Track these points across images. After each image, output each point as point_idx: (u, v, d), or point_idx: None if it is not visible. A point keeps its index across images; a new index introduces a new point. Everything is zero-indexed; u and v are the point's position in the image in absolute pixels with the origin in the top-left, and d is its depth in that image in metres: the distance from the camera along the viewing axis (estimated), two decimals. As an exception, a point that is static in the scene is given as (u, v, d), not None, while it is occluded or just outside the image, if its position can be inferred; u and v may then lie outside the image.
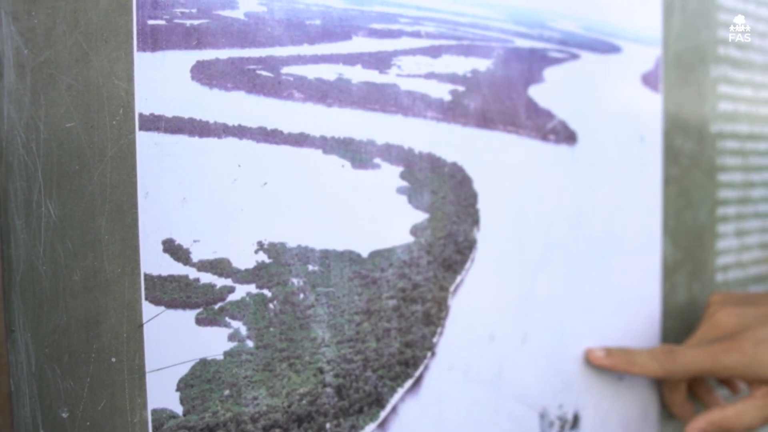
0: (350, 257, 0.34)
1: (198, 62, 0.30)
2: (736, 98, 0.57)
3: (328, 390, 0.34)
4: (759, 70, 0.60)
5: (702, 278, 0.55)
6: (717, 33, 0.55)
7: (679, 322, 0.53)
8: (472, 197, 0.39)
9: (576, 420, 0.46)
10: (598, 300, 0.47)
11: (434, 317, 0.38)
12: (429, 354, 0.38)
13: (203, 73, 0.30)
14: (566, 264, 0.45)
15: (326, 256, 0.34)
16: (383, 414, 0.36)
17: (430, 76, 0.37)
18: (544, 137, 0.43)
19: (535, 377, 0.43)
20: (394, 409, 0.36)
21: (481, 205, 0.40)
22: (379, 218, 0.35)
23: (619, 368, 0.46)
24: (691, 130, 0.53)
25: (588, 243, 0.46)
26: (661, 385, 0.52)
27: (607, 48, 0.47)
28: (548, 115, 0.43)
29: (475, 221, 0.39)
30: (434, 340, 0.38)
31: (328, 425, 0.34)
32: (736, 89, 0.57)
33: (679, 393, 0.49)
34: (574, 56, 0.45)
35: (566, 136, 0.44)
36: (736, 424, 0.44)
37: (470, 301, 0.39)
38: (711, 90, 0.55)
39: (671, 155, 0.52)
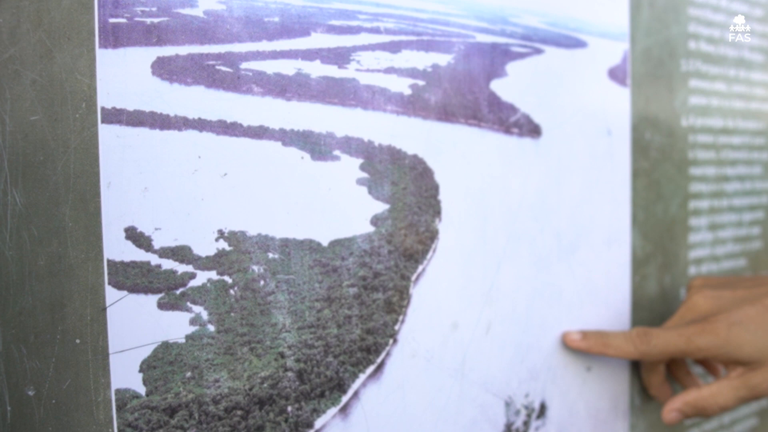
0: (310, 246, 0.37)
1: (158, 58, 0.32)
2: (708, 92, 0.60)
3: (290, 374, 0.36)
4: (732, 65, 0.62)
5: (674, 271, 0.57)
6: (687, 28, 0.58)
7: (650, 314, 0.55)
8: (434, 188, 0.42)
9: (543, 409, 0.48)
10: (565, 291, 0.49)
11: (396, 305, 0.40)
12: (391, 341, 0.40)
13: (163, 69, 0.32)
14: (532, 255, 0.47)
15: (286, 244, 0.36)
16: (345, 399, 0.38)
17: (389, 70, 0.40)
18: (508, 130, 0.45)
19: (501, 366, 0.45)
20: (355, 394, 0.39)
21: (443, 196, 0.42)
22: (339, 208, 0.38)
23: (594, 350, 0.48)
24: (661, 124, 0.56)
25: (554, 234, 0.48)
26: (631, 376, 0.54)
27: (572, 43, 0.49)
28: (511, 108, 0.45)
29: (437, 212, 0.42)
30: (396, 327, 0.40)
31: (289, 408, 0.36)
32: (708, 84, 0.60)
33: (658, 374, 0.52)
34: (538, 51, 0.47)
35: (530, 129, 0.46)
36: (711, 405, 0.46)
37: (433, 290, 0.42)
38: (682, 84, 0.57)
39: (640, 148, 0.54)
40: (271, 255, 0.36)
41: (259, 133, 0.35)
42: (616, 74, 0.52)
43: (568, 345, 0.48)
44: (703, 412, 0.47)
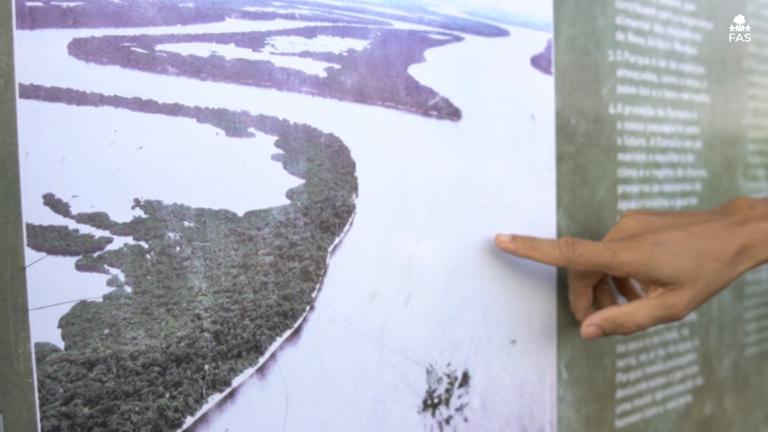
0: (226, 216, 0.40)
1: (74, 39, 0.35)
2: (637, 82, 0.63)
3: (206, 335, 0.39)
4: (662, 56, 0.65)
5: (601, 251, 0.60)
6: (615, 20, 0.61)
7: (576, 291, 0.58)
8: (350, 165, 0.45)
9: (466, 378, 0.51)
10: (487, 266, 0.52)
11: (312, 274, 0.43)
12: (308, 308, 0.43)
13: (80, 49, 0.35)
14: (453, 232, 0.50)
15: (202, 214, 0.39)
16: (262, 360, 0.41)
17: (304, 54, 0.43)
18: (426, 113, 0.48)
19: (421, 335, 0.48)
20: (273, 356, 0.42)
21: (360, 173, 0.45)
22: (253, 182, 0.41)
23: (521, 253, 0.50)
24: (588, 111, 0.59)
25: (476, 213, 0.51)
26: (558, 350, 0.57)
27: (494, 32, 0.52)
28: (430, 92, 0.49)
29: (354, 188, 0.45)
30: (313, 295, 0.43)
31: (206, 367, 0.39)
32: (637, 74, 0.63)
33: (584, 298, 0.54)
34: (458, 38, 0.50)
35: (450, 112, 0.50)
36: (628, 321, 0.49)
37: (350, 261, 0.45)
38: (609, 74, 0.60)
39: (565, 133, 0.57)
40: (186, 223, 0.39)
41: (174, 110, 0.38)
42: (539, 62, 0.55)
43: (498, 246, 0.51)
44: (620, 328, 0.49)
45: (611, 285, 0.57)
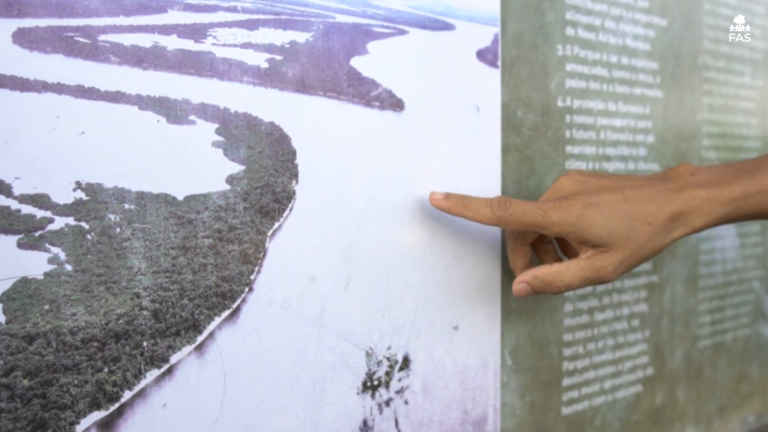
0: (166, 199, 0.43)
1: (19, 29, 0.39)
2: (587, 76, 0.67)
3: (145, 313, 0.43)
4: (614, 52, 0.69)
5: (547, 241, 0.64)
6: (565, 15, 0.65)
7: (520, 280, 0.62)
8: (291, 153, 0.48)
9: (406, 361, 0.55)
10: (429, 254, 0.56)
11: (252, 257, 0.47)
12: (247, 289, 0.46)
13: (24, 38, 0.39)
14: (394, 219, 0.53)
15: (142, 197, 0.42)
16: (200, 338, 0.45)
17: (246, 45, 0.46)
18: (368, 103, 0.52)
19: (361, 319, 0.52)
20: (211, 335, 0.45)
21: (300, 160, 0.49)
22: (194, 167, 0.44)
23: (454, 211, 0.52)
24: (535, 104, 0.62)
25: (418, 201, 0.55)
26: (502, 337, 0.61)
27: (438, 25, 0.56)
28: (372, 83, 0.52)
29: (294, 175, 0.48)
30: (252, 277, 0.47)
31: (145, 343, 0.43)
32: (587, 68, 0.67)
33: (521, 257, 0.56)
34: (402, 32, 0.54)
35: (392, 103, 0.53)
36: (557, 280, 0.51)
37: (289, 245, 0.48)
38: (558, 68, 0.64)
39: (512, 125, 0.61)
40: (127, 206, 0.42)
41: (116, 97, 0.42)
42: (485, 56, 0.59)
43: (431, 204, 0.52)
44: (549, 287, 0.51)
45: (555, 245, 0.59)
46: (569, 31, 0.65)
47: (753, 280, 0.89)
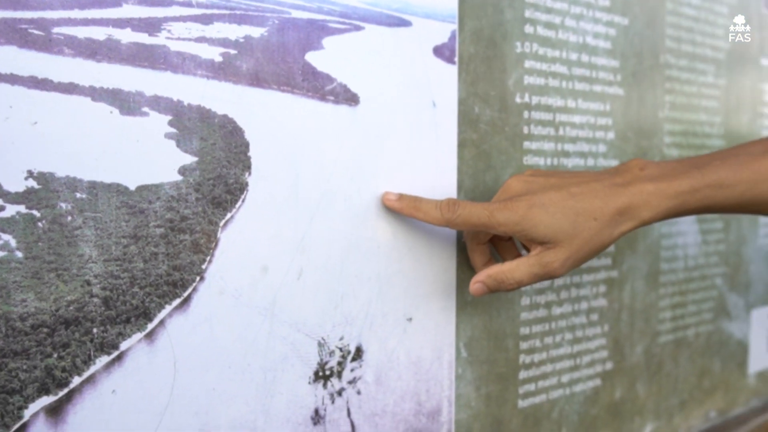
0: (117, 189, 0.45)
1: (-29, 20, 0.41)
2: (545, 73, 0.69)
3: (95, 300, 0.45)
4: (574, 49, 0.72)
5: (503, 235, 0.66)
6: (524, 13, 0.67)
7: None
8: (244, 146, 0.50)
9: (359, 352, 0.57)
10: (384, 246, 0.58)
11: (203, 247, 0.49)
12: (198, 278, 0.49)
13: (-24, 29, 0.41)
14: (348, 211, 0.56)
15: (94, 186, 0.45)
16: (150, 326, 0.47)
17: (201, 39, 0.49)
18: (323, 98, 0.54)
19: (313, 309, 0.54)
20: (161, 323, 0.47)
21: (254, 153, 0.51)
22: (146, 158, 0.46)
23: (405, 212, 0.56)
24: (492, 100, 0.65)
25: (372, 194, 0.57)
26: (457, 329, 0.63)
27: (395, 22, 0.58)
28: (327, 78, 0.54)
29: (247, 167, 0.51)
30: (203, 266, 0.49)
31: (95, 330, 0.45)
32: (546, 65, 0.69)
33: (479, 255, 0.60)
34: (357, 28, 0.56)
35: (347, 97, 0.55)
36: (508, 278, 0.54)
37: (242, 235, 0.51)
38: (516, 64, 0.67)
39: (468, 121, 0.63)
40: (78, 195, 0.44)
41: (69, 89, 0.44)
42: (442, 52, 0.61)
43: (384, 204, 0.56)
44: (503, 284, 0.54)
45: (516, 241, 0.62)
46: (528, 29, 0.68)
47: (715, 276, 0.92)
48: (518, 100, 0.67)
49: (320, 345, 0.55)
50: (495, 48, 0.65)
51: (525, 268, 0.54)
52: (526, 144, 0.68)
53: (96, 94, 0.45)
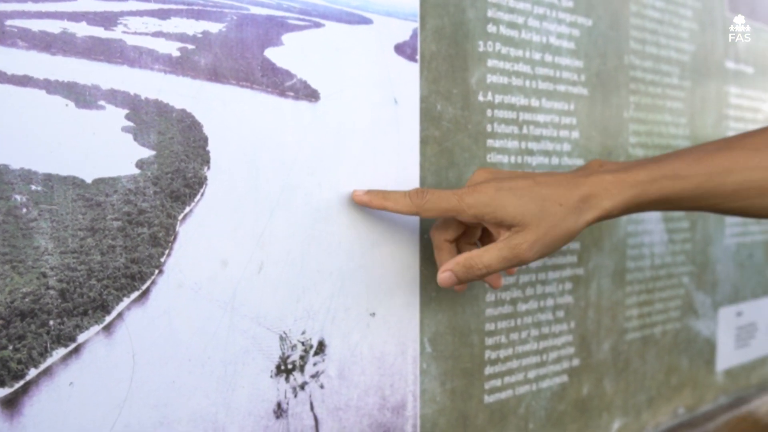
0: (74, 182, 0.45)
1: (-77, 12, 0.41)
2: (508, 72, 0.70)
3: (52, 292, 0.45)
4: (537, 49, 0.73)
5: (467, 232, 0.67)
6: (486, 12, 0.68)
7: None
8: (203, 140, 0.51)
9: (321, 346, 0.57)
10: (345, 241, 0.58)
11: (162, 240, 0.49)
12: (156, 271, 0.49)
13: (-72, 21, 0.41)
14: (309, 206, 0.56)
15: (49, 179, 0.45)
16: (108, 318, 0.47)
17: (158, 34, 0.49)
18: (283, 93, 0.54)
19: (274, 303, 0.54)
20: (120, 316, 0.47)
21: (212, 147, 0.51)
22: (103, 151, 0.46)
23: (375, 204, 0.56)
24: (455, 98, 0.66)
25: (333, 190, 0.57)
26: (421, 324, 0.64)
27: (355, 19, 0.59)
28: (287, 74, 0.55)
29: (206, 161, 0.51)
30: (162, 260, 0.49)
31: (51, 322, 0.45)
32: (509, 64, 0.70)
33: (446, 253, 0.60)
34: (317, 24, 0.57)
35: (307, 93, 0.56)
36: (477, 263, 0.54)
37: (201, 229, 0.51)
38: (479, 63, 0.67)
39: (430, 118, 0.64)
40: (34, 187, 0.44)
41: (23, 81, 0.44)
42: (403, 50, 0.62)
43: (354, 200, 0.57)
44: (471, 270, 0.54)
45: (479, 245, 0.63)
46: (491, 28, 0.68)
47: (682, 275, 0.93)
48: (481, 98, 0.68)
49: (282, 339, 0.55)
50: (457, 46, 0.66)
51: (494, 252, 0.54)
52: (490, 142, 0.69)
53: (51, 86, 0.45)
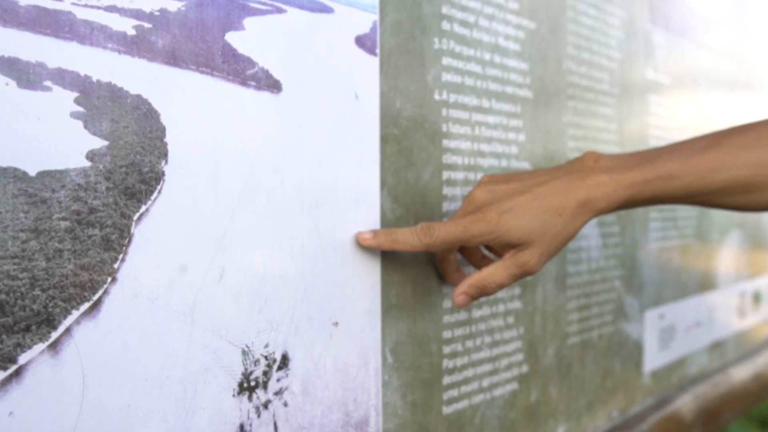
0: (15, 174, 0.38)
1: None
2: (462, 71, 0.67)
3: (-12, 305, 0.37)
4: (487, 49, 0.70)
5: (426, 235, 0.63)
6: (441, 9, 0.65)
7: (401, 271, 0.61)
8: (160, 130, 0.45)
9: (285, 360, 0.52)
10: (308, 245, 0.53)
11: (115, 243, 0.42)
12: (109, 279, 0.42)
13: None
14: (271, 206, 0.51)
15: (-15, 171, 0.37)
16: (55, 335, 0.40)
17: (111, 9, 0.42)
18: (244, 82, 0.49)
19: (236, 314, 0.49)
20: (68, 331, 0.40)
21: (170, 139, 0.45)
22: (49, 139, 0.40)
23: (384, 246, 0.56)
24: (412, 95, 0.62)
25: (295, 189, 0.52)
26: (383, 333, 0.59)
27: (317, 7, 0.54)
28: (249, 61, 0.50)
29: (163, 154, 0.45)
30: (115, 266, 0.43)
31: (-13, 340, 0.37)
32: (462, 63, 0.68)
33: (449, 264, 0.62)
34: (279, 10, 0.52)
35: (269, 84, 0.51)
36: (489, 283, 0.56)
37: (158, 231, 0.44)
38: (435, 60, 0.64)
39: (390, 116, 0.60)
40: (-34, 180, 0.37)
41: (-46, 54, 0.37)
42: (364, 42, 0.58)
43: (361, 244, 0.57)
44: (485, 290, 0.56)
45: (480, 248, 0.64)
46: (445, 26, 0.66)
47: (614, 279, 0.93)
48: (437, 96, 0.65)
49: (244, 353, 0.49)
50: (415, 42, 0.62)
51: (503, 271, 0.56)
52: (445, 142, 0.66)
53: (-12, 63, 0.38)
